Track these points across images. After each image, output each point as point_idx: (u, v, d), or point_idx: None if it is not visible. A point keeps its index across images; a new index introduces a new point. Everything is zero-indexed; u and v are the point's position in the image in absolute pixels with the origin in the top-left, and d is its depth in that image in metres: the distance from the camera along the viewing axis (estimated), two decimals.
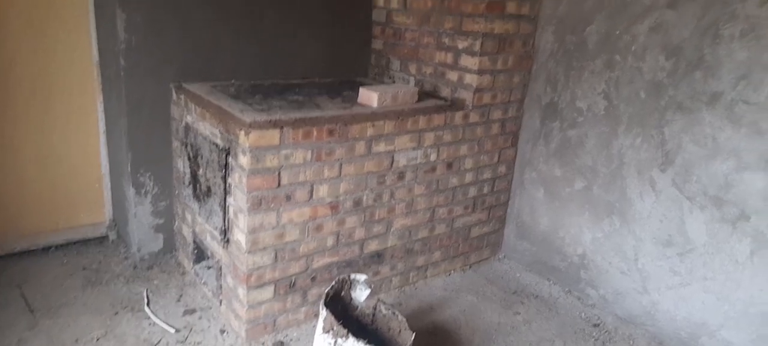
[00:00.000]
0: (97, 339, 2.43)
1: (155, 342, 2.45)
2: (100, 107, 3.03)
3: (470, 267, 3.38)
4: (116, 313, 2.62)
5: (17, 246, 2.98)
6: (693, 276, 2.61)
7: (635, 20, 2.65)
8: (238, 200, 2.41)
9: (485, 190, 3.26)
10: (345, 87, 3.15)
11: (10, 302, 2.61)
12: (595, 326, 2.89)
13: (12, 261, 2.94)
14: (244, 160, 2.31)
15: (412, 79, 3.28)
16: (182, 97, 2.77)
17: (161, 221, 3.07)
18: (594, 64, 2.84)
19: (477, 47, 2.87)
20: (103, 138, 3.09)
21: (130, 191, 2.94)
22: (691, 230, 2.59)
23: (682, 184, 2.59)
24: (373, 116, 2.64)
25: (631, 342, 2.77)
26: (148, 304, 2.70)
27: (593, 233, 3.00)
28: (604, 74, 2.81)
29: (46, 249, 3.06)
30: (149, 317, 2.61)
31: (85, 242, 3.18)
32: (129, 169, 2.89)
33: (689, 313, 2.64)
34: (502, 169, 3.30)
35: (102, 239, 3.23)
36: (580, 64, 2.91)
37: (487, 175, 3.23)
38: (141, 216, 3.00)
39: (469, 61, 2.93)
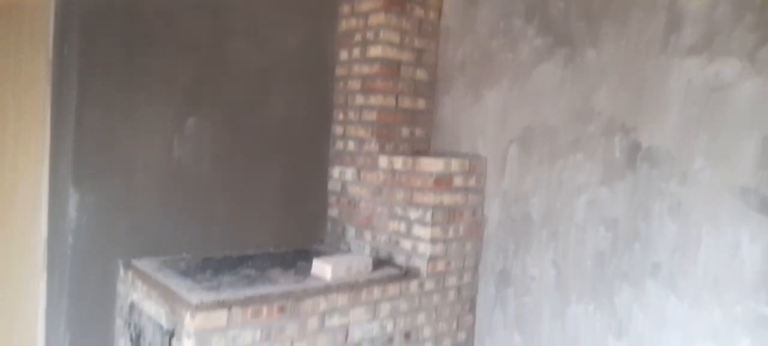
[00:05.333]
0: None
1: None
2: (42, 286, 2.92)
3: None
4: None
5: None
6: None
7: (572, 196, 2.81)
8: None
9: None
10: (300, 257, 3.15)
11: None
12: None
13: None
14: (188, 344, 2.21)
15: (367, 245, 3.32)
16: (130, 274, 2.71)
17: None
18: (541, 234, 2.95)
19: (428, 218, 2.96)
20: (42, 317, 2.94)
21: None
22: None
23: None
24: (326, 290, 2.62)
25: None
26: None
27: None
28: (551, 244, 2.91)
29: None
30: None
31: None
32: None
33: None
34: (461, 336, 3.24)
35: None
36: (527, 233, 3.02)
37: (446, 343, 3.15)
38: None
39: (421, 232, 3.00)
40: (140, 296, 2.60)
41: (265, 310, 2.38)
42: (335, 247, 3.52)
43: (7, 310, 2.85)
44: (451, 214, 3.06)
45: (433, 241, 2.99)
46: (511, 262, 3.09)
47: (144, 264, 2.77)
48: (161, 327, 2.40)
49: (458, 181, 3.07)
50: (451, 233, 3.08)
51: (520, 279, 3.06)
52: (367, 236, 3.33)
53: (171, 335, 2.33)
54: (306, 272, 2.84)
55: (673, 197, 2.46)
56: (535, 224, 2.98)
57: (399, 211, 3.13)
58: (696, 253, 2.39)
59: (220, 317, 2.26)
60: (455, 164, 3.05)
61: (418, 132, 3.49)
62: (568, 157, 2.84)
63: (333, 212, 3.57)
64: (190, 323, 2.20)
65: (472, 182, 3.15)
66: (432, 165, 2.98)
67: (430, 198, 2.96)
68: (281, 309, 2.43)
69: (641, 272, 2.56)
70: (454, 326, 3.19)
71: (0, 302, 2.83)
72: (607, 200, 2.68)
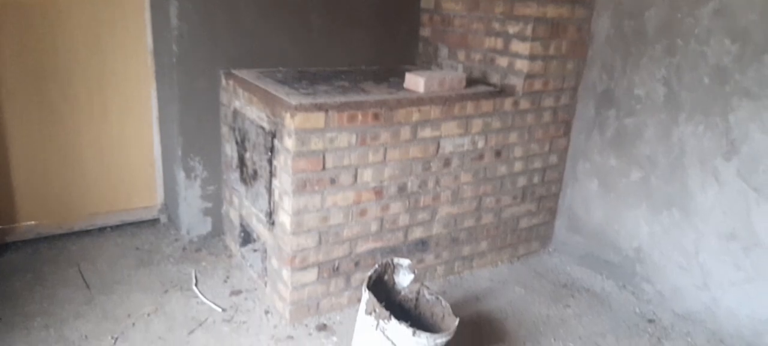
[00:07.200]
0: (148, 315, 2.50)
1: (202, 320, 2.51)
2: (153, 94, 3.13)
3: (518, 259, 3.29)
4: (166, 291, 2.69)
5: (76, 226, 3.12)
6: (758, 272, 2.44)
7: (698, 3, 2.49)
8: (283, 183, 2.43)
9: (535, 180, 3.16)
10: (392, 74, 3.13)
11: (68, 279, 2.72)
12: (650, 321, 2.75)
13: (71, 240, 3.07)
14: (289, 142, 2.32)
15: (460, 66, 3.22)
16: (231, 83, 2.82)
17: (210, 205, 3.14)
18: (653, 50, 2.70)
19: (528, 32, 2.78)
20: (156, 124, 3.19)
21: (181, 176, 3.01)
22: (757, 224, 2.43)
23: (749, 175, 2.42)
24: (419, 101, 2.60)
25: (690, 339, 2.62)
26: (196, 284, 2.76)
27: (651, 227, 2.85)
28: (665, 60, 2.66)
29: (102, 230, 3.19)
30: (197, 296, 2.67)
31: (138, 224, 3.29)
32: (179, 154, 2.97)
33: (753, 311, 2.47)
34: (553, 159, 3.19)
35: (154, 222, 3.33)
36: (638, 50, 2.77)
37: (537, 164, 3.13)
38: (190, 200, 3.07)
39: (519, 47, 2.84)
40: (242, 103, 2.72)
41: (359, 116, 2.42)
42: (427, 68, 3.45)
43: (123, 116, 3.10)
44: (554, 28, 2.85)
45: (532, 57, 2.83)
46: (617, 82, 2.90)
47: (243, 74, 2.87)
48: (263, 129, 2.52)
49: None
50: (552, 50, 2.89)
51: (623, 100, 2.88)
52: (461, 55, 3.21)
53: (273, 135, 2.45)
54: (398, 86, 2.82)
55: None
56: (648, 38, 2.72)
57: (496, 25, 2.95)
58: None
59: (318, 118, 2.32)
60: None
61: None
62: None
63: (425, 31, 3.45)
64: (291, 122, 2.28)
65: None
66: None
67: (532, 9, 2.75)
68: (375, 116, 2.46)
69: (767, 87, 2.31)
70: (547, 147, 3.13)
71: (117, 109, 3.07)
72: (739, 7, 2.36)
